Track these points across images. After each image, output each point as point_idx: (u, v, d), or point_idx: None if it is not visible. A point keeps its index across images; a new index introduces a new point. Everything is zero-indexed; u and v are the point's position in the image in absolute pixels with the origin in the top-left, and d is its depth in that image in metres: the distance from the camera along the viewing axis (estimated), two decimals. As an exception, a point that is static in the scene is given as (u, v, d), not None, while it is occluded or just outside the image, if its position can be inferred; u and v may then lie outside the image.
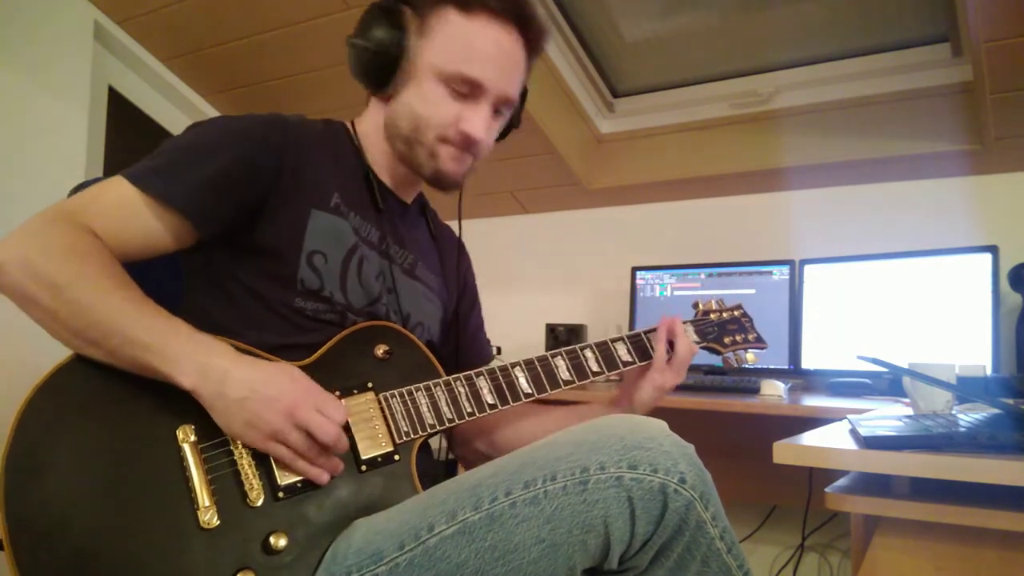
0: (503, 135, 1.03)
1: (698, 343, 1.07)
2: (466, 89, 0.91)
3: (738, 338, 1.11)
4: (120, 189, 0.82)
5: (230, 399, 0.74)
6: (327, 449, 0.78)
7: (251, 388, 0.74)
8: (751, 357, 1.11)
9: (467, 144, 0.93)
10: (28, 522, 0.68)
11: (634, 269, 2.17)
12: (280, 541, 0.74)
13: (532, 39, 0.96)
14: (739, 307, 1.15)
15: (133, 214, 0.82)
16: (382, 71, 0.92)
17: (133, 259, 0.83)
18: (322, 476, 0.79)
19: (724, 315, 1.12)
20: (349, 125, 1.01)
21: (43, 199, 0.82)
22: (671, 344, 1.02)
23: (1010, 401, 1.11)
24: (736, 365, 1.11)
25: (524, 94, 1.02)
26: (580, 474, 0.71)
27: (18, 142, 1.72)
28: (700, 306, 1.13)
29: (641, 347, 1.03)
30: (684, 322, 1.07)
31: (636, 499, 0.69)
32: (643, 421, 0.75)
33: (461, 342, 1.13)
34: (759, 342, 1.12)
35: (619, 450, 0.71)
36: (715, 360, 1.12)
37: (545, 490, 0.71)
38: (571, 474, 0.71)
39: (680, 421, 0.91)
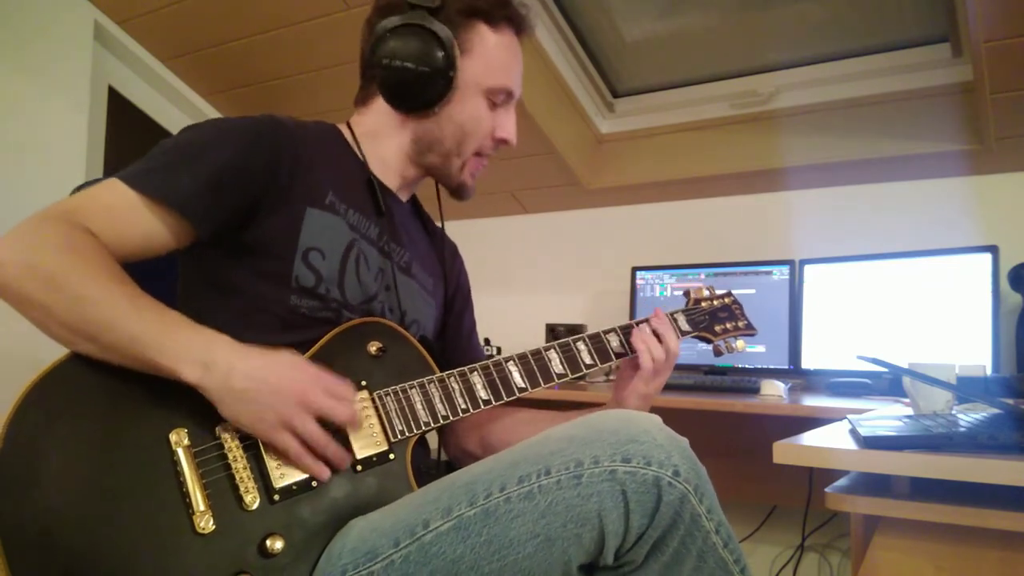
0: None
1: (689, 332, 1.09)
2: (501, 99, 0.98)
3: (728, 326, 1.12)
4: (117, 191, 0.81)
5: (237, 391, 0.74)
6: (343, 430, 0.80)
7: (258, 378, 0.74)
8: (740, 344, 1.13)
9: (499, 147, 1.01)
10: (22, 532, 0.67)
11: (634, 269, 2.17)
12: (276, 544, 0.74)
13: (524, 37, 1.03)
14: (729, 294, 1.16)
15: (131, 215, 0.81)
16: (434, 93, 0.94)
17: (130, 259, 0.83)
18: (324, 472, 0.79)
19: (715, 303, 1.13)
20: (344, 127, 1.02)
21: (44, 199, 0.81)
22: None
23: (1010, 401, 1.11)
24: (726, 352, 1.12)
25: None
26: (574, 468, 0.71)
27: (18, 142, 1.72)
28: (692, 294, 1.14)
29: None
30: (676, 312, 1.09)
31: (630, 492, 0.69)
32: (636, 415, 0.76)
33: (455, 344, 1.13)
34: (749, 329, 1.14)
35: (612, 444, 0.71)
36: (716, 360, 1.12)
37: (539, 484, 0.71)
38: (565, 468, 0.71)
39: (680, 421, 0.91)
